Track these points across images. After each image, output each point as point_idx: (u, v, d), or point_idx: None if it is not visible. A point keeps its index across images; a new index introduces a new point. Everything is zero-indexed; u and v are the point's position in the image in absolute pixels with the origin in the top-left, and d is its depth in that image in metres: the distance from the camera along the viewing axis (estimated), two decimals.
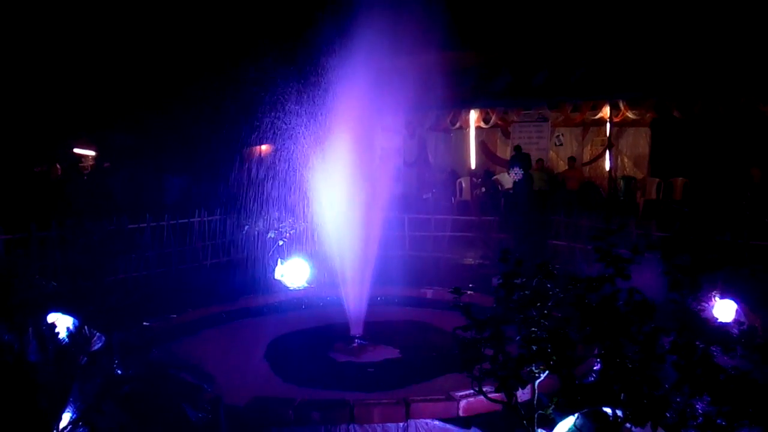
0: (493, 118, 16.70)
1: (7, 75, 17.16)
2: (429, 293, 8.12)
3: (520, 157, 15.34)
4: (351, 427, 4.24)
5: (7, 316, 3.75)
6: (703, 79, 13.12)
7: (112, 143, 20.33)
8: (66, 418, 3.46)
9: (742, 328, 3.24)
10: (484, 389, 3.49)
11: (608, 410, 3.15)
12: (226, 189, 8.24)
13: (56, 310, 4.59)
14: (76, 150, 20.10)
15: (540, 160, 15.94)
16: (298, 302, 8.08)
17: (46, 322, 3.84)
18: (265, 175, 7.57)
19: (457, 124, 17.41)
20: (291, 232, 9.08)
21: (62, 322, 3.93)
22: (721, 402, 2.90)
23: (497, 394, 3.35)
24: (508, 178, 15.28)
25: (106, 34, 18.51)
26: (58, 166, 15.66)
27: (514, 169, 14.81)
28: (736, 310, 6.22)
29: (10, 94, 17.09)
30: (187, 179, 15.00)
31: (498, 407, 3.55)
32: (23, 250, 6.07)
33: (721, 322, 5.79)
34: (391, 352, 6.25)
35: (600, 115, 15.57)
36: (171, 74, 17.90)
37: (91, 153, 20.58)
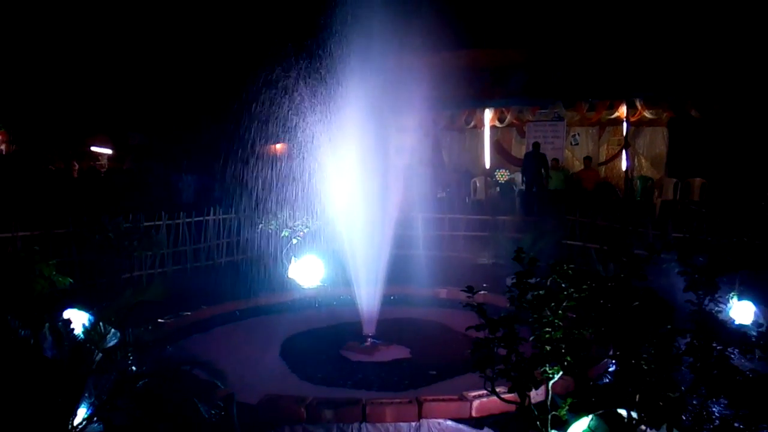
0: (509, 117, 16.61)
1: (30, 76, 17.41)
2: (442, 293, 8.08)
3: (536, 156, 15.26)
4: (363, 425, 4.23)
5: (23, 312, 3.79)
6: (722, 78, 12.96)
7: (129, 142, 20.57)
8: (81, 413, 3.49)
9: (760, 330, 3.19)
10: (497, 390, 3.47)
11: (623, 412, 3.12)
12: (239, 187, 8.27)
13: (72, 307, 4.64)
14: (93, 149, 20.35)
15: (555, 160, 15.85)
16: (311, 301, 8.08)
17: (62, 318, 3.87)
18: (279, 174, 7.58)
19: (472, 124, 17.34)
20: (305, 230, 9.10)
21: (78, 319, 3.96)
22: (739, 405, 2.87)
23: (510, 395, 3.33)
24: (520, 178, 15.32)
25: (124, 37, 18.71)
26: (75, 164, 15.85)
27: (523, 177, 14.91)
28: (755, 312, 6.13)
29: (31, 93, 17.33)
30: (202, 178, 15.10)
31: (511, 408, 3.52)
32: (40, 247, 6.13)
33: (739, 324, 5.71)
34: (403, 352, 6.22)
35: (616, 114, 15.44)
36: (187, 74, 18.04)
37: (107, 152, 20.83)
